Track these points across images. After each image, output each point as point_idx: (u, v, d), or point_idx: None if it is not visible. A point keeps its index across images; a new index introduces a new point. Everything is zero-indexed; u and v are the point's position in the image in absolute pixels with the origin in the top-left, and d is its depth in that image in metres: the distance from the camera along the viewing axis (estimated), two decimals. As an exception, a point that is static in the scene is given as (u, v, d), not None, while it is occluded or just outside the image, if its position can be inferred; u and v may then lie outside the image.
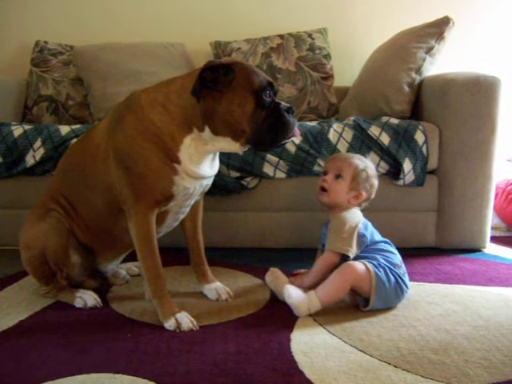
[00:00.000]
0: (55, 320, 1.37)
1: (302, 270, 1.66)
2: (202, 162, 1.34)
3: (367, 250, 1.46)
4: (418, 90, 2.16)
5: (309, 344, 1.20)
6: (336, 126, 1.97)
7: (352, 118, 2.02)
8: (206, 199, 1.64)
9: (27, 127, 2.06)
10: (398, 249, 1.52)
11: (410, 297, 1.49)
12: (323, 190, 1.53)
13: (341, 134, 1.94)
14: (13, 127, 2.05)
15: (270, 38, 2.62)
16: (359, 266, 1.38)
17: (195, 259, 1.56)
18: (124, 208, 1.36)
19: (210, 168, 1.38)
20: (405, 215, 2.03)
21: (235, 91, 1.24)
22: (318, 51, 2.58)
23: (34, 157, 1.98)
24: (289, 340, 1.22)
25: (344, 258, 1.45)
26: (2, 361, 1.14)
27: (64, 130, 2.04)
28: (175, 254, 1.94)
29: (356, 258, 1.44)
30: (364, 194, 1.52)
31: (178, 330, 1.28)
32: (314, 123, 2.04)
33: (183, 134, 1.30)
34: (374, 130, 1.94)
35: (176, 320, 1.29)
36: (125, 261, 1.72)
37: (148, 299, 1.38)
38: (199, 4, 2.83)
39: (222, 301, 1.50)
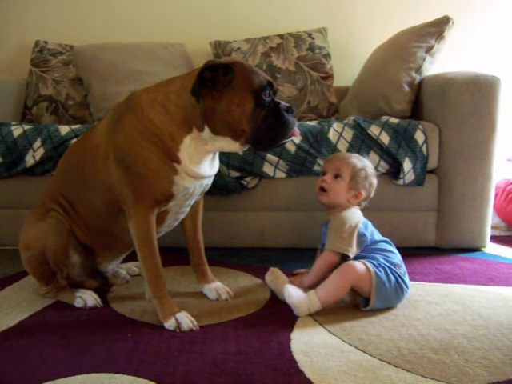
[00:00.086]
0: (55, 320, 1.37)
1: (302, 270, 1.66)
2: (201, 162, 1.34)
3: (367, 249, 1.46)
4: (418, 89, 2.16)
5: (309, 344, 1.20)
6: (336, 126, 1.97)
7: (352, 118, 2.02)
8: (206, 199, 1.64)
9: (27, 127, 2.06)
10: (398, 248, 1.52)
11: (410, 296, 1.49)
12: (322, 190, 1.53)
13: (341, 134, 1.94)
14: (12, 127, 2.05)
15: (270, 37, 2.62)
16: (359, 265, 1.38)
17: (195, 259, 1.56)
18: (124, 208, 1.36)
19: (209, 168, 1.38)
20: (405, 215, 2.03)
21: (235, 91, 1.24)
22: (317, 51, 2.58)
23: (33, 157, 1.98)
24: (289, 340, 1.22)
25: (344, 257, 1.45)
26: (2, 361, 1.14)
27: (64, 130, 2.04)
28: (175, 253, 1.93)
29: (356, 258, 1.44)
30: (363, 193, 1.52)
31: (178, 330, 1.28)
32: (313, 123, 2.03)
33: (183, 133, 1.30)
34: (373, 130, 1.94)
35: (176, 320, 1.29)
36: (125, 261, 1.72)
37: (148, 299, 1.39)
38: (199, 4, 2.83)
39: (221, 301, 1.50)
